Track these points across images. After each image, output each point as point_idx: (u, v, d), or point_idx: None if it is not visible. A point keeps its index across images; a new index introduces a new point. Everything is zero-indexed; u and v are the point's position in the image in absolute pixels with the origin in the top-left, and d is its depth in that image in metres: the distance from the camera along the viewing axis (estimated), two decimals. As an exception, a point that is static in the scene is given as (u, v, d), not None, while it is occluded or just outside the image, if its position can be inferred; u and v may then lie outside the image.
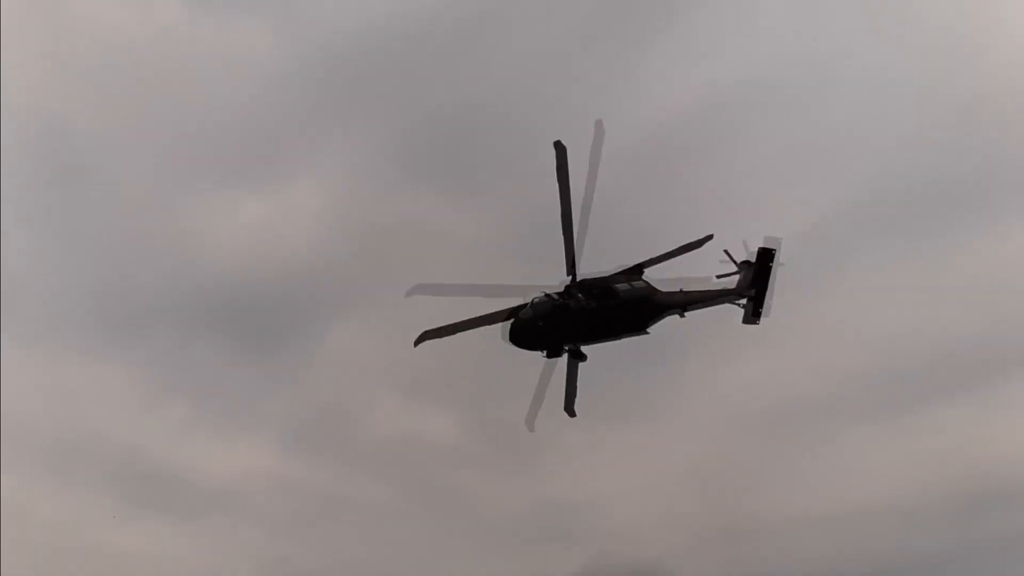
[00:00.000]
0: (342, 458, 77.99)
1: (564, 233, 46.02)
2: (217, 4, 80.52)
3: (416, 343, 48.72)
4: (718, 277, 52.23)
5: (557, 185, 44.74)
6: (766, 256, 52.14)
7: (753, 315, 52.74)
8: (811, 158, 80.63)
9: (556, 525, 76.63)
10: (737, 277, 52.48)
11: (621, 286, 48.63)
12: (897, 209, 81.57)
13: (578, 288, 47.55)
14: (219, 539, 74.95)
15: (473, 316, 48.53)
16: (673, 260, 47.54)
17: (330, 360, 77.64)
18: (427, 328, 48.53)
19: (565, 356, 49.37)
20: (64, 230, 76.26)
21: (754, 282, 52.38)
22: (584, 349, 49.52)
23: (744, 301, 52.39)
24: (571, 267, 47.12)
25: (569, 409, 51.43)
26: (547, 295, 47.43)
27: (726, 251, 52.10)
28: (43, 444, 73.26)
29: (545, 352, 48.66)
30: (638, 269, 48.96)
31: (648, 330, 49.95)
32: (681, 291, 50.46)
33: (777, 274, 52.32)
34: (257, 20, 79.68)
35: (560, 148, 44.22)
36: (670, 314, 50.08)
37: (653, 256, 47.79)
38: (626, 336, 49.93)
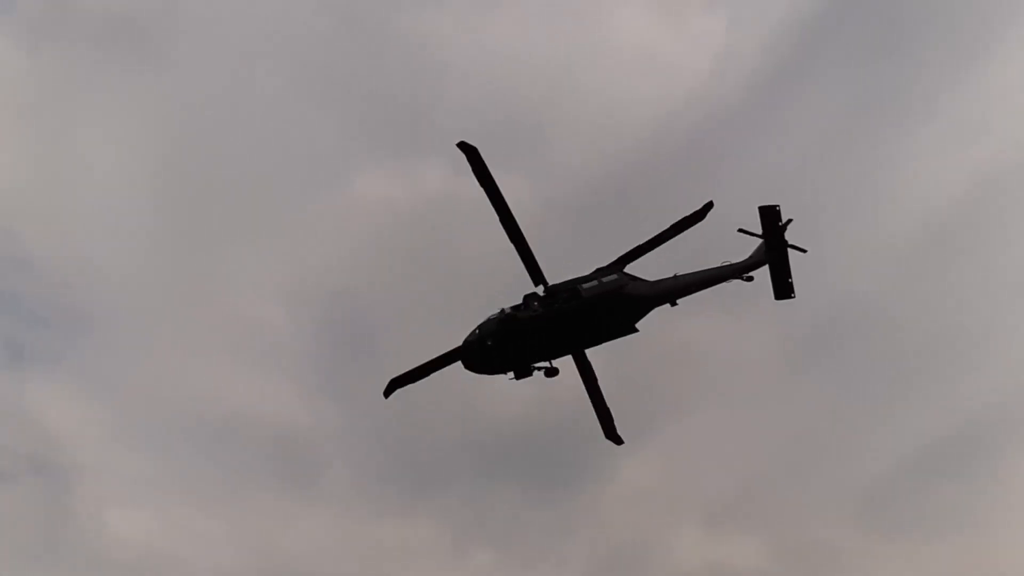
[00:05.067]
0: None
1: (513, 242, 40.94)
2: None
3: (386, 394, 44.73)
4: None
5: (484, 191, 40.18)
6: (772, 215, 43.69)
7: (786, 288, 44.51)
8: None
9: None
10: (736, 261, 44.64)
11: (587, 285, 42.45)
12: None
13: (539, 296, 42.39)
14: None
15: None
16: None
17: (625, 495, 77.22)
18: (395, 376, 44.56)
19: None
20: (362, 394, 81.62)
21: (770, 249, 43.99)
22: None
23: (752, 275, 44.31)
24: (537, 277, 42.01)
25: (614, 436, 45.61)
26: (501, 311, 42.37)
27: (742, 229, 44.24)
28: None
29: (512, 374, 42.91)
30: (620, 262, 43.05)
31: (637, 327, 43.12)
32: (674, 276, 43.49)
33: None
34: (513, 175, 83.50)
35: (468, 149, 39.38)
36: (659, 305, 43.20)
37: (642, 242, 41.97)
38: (609, 339, 43.38)
